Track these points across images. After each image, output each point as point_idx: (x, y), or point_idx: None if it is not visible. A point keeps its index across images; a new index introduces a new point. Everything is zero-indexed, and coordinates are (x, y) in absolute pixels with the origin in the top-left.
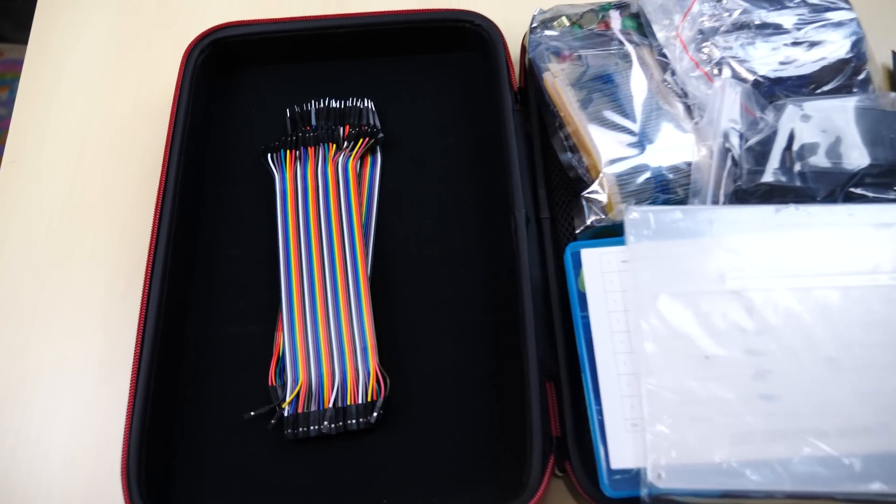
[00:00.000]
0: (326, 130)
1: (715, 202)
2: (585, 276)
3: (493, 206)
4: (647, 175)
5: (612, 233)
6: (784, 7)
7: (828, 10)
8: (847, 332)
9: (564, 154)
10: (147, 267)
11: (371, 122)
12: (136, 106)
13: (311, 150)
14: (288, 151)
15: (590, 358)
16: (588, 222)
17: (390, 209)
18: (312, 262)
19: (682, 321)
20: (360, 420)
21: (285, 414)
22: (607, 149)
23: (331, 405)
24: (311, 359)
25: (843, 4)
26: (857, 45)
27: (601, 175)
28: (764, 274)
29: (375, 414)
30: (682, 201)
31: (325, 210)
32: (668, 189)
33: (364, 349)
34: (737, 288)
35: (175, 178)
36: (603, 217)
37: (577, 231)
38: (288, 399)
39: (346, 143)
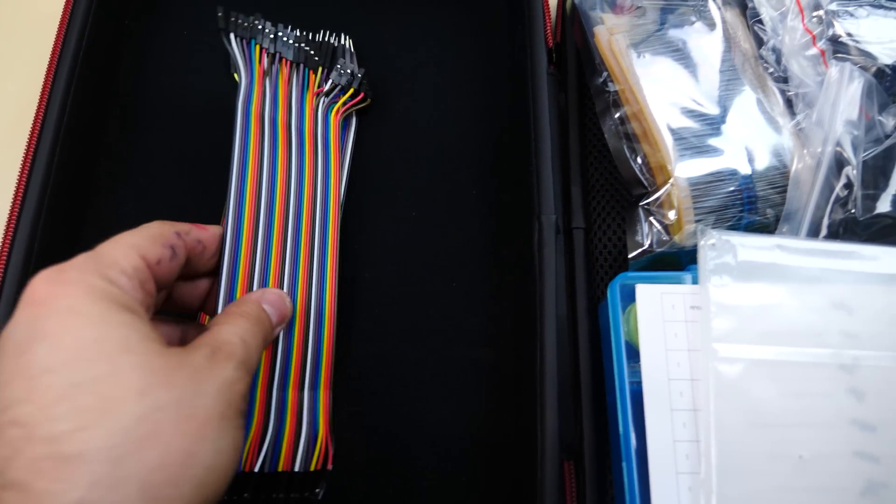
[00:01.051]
0: (306, 53)
1: (813, 233)
2: (640, 324)
3: (505, 204)
4: (732, 186)
5: (670, 262)
6: None
7: None
8: None
9: (618, 142)
10: (2, 246)
11: (350, 69)
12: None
13: (285, 66)
14: (259, 48)
15: (637, 439)
16: (646, 244)
17: (362, 193)
18: (272, 232)
19: (769, 402)
20: (297, 496)
21: None
22: (681, 143)
23: (257, 467)
24: None
25: None
26: None
27: (671, 180)
28: (884, 345)
29: (319, 490)
30: (767, 227)
31: (299, 158)
32: (756, 208)
33: (315, 392)
34: (847, 361)
35: (58, 117)
36: (667, 238)
37: (631, 255)
38: None
39: (327, 85)
